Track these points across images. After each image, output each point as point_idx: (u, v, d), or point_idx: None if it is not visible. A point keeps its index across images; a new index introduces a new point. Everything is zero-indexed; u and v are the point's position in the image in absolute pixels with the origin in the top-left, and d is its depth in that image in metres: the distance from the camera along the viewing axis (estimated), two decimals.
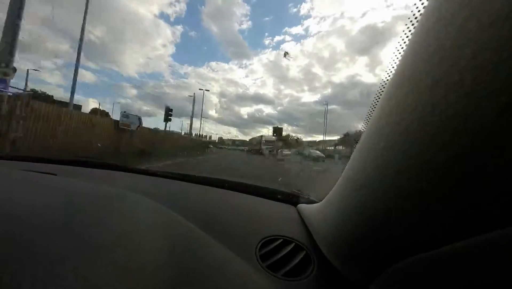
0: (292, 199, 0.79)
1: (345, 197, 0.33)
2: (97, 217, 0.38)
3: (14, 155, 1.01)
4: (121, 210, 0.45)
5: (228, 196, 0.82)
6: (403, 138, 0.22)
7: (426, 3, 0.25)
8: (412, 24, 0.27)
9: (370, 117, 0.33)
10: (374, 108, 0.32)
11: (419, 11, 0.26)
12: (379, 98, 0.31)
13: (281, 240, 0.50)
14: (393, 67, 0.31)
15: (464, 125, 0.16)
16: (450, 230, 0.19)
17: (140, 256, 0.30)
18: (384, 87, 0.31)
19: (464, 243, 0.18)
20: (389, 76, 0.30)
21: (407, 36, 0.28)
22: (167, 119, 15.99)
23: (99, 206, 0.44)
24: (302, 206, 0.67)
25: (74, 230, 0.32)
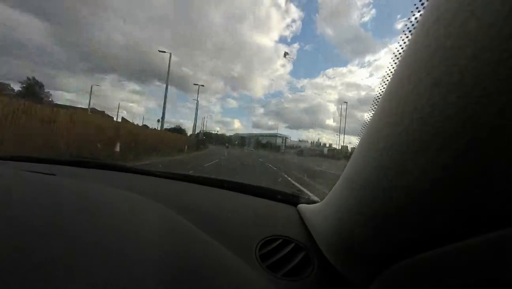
0: (292, 199, 0.79)
1: (345, 197, 0.33)
2: (97, 217, 0.38)
3: (14, 155, 1.01)
4: (121, 210, 0.45)
5: (228, 196, 0.82)
6: (403, 138, 0.22)
7: (426, 3, 0.25)
8: (412, 24, 0.27)
9: (370, 117, 0.33)
10: (374, 109, 0.32)
11: (419, 11, 0.26)
12: (379, 98, 0.31)
13: (281, 240, 0.50)
14: (393, 67, 0.31)
15: (464, 125, 0.16)
16: (450, 230, 0.19)
17: (140, 256, 0.30)
18: (384, 88, 0.31)
19: (464, 243, 0.18)
20: (389, 76, 0.30)
21: (407, 36, 0.28)
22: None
23: (99, 206, 0.44)
24: (302, 206, 0.67)
25: (73, 231, 0.32)
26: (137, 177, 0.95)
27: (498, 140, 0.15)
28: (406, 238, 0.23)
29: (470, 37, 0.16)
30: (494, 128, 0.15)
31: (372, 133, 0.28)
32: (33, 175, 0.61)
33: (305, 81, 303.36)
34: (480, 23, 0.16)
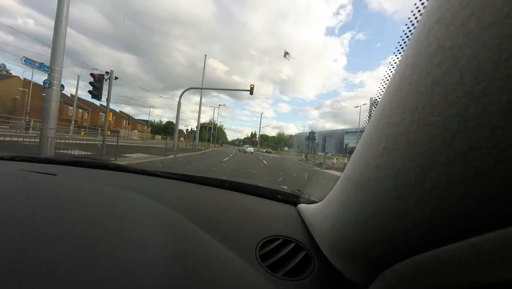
0: (292, 199, 0.79)
1: (346, 197, 0.33)
2: (97, 217, 0.38)
3: (14, 155, 1.01)
4: (121, 210, 0.45)
5: (228, 196, 0.81)
6: (403, 138, 0.22)
7: (426, 3, 0.25)
8: (412, 24, 0.27)
9: (370, 117, 0.33)
10: (374, 109, 0.32)
11: (419, 11, 0.26)
12: (379, 98, 0.31)
13: (281, 240, 0.50)
14: (393, 67, 0.31)
15: (465, 125, 0.16)
16: (450, 230, 0.19)
17: (140, 256, 0.30)
18: (384, 88, 0.31)
19: (464, 243, 0.18)
20: (390, 76, 0.30)
21: (407, 36, 0.28)
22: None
23: (99, 206, 0.44)
24: (302, 206, 0.67)
25: (74, 230, 0.32)
26: (137, 177, 0.95)
27: (499, 140, 0.15)
28: (407, 238, 0.23)
29: (470, 36, 0.16)
30: (494, 128, 0.15)
31: (373, 133, 0.28)
32: (34, 175, 0.61)
33: (364, 75, 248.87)
34: (480, 22, 0.16)
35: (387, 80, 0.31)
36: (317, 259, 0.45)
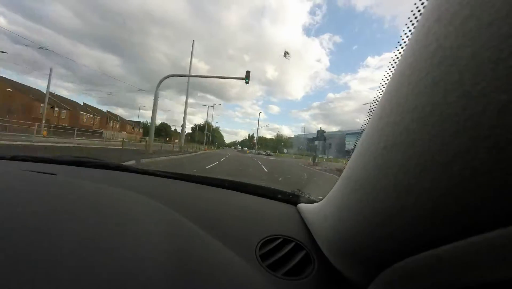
0: (292, 199, 0.79)
1: (345, 196, 0.33)
2: (97, 217, 0.38)
3: (14, 155, 1.01)
4: (121, 210, 0.45)
5: (228, 195, 0.82)
6: (403, 138, 0.22)
7: (426, 3, 0.25)
8: (412, 24, 0.27)
9: (370, 117, 0.33)
10: (374, 108, 0.32)
11: (419, 11, 0.26)
12: (379, 98, 0.31)
13: (281, 239, 0.50)
14: (393, 66, 0.31)
15: (464, 125, 0.16)
16: (450, 230, 0.19)
17: (140, 255, 0.30)
18: (384, 87, 0.31)
19: (464, 243, 0.18)
20: (389, 76, 0.31)
21: (407, 36, 0.28)
22: None
23: (100, 206, 0.44)
24: (302, 206, 0.67)
25: (74, 230, 0.32)
26: (138, 176, 0.95)
27: (498, 139, 0.15)
28: (407, 238, 0.23)
29: (469, 36, 0.16)
30: (494, 127, 0.15)
31: (372, 133, 0.28)
32: (34, 175, 0.61)
33: (347, 77, 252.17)
34: (479, 22, 0.16)
35: (387, 80, 0.31)
36: (317, 258, 0.45)
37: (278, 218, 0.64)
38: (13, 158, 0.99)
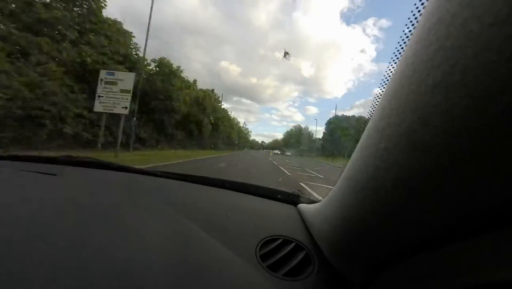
0: (292, 199, 0.79)
1: (346, 197, 0.33)
2: (97, 217, 0.38)
3: (14, 155, 1.01)
4: (121, 210, 0.45)
5: (229, 196, 0.82)
6: (404, 139, 0.22)
7: (426, 3, 0.25)
8: (413, 25, 0.27)
9: (371, 118, 0.33)
10: (375, 109, 0.32)
11: (419, 11, 0.26)
12: (380, 98, 0.31)
13: (281, 240, 0.50)
14: (393, 67, 0.31)
15: (466, 126, 0.16)
16: (450, 230, 0.19)
17: (141, 256, 0.30)
18: (385, 88, 0.31)
19: (464, 243, 0.19)
20: (390, 76, 0.30)
21: (407, 37, 0.28)
22: None
23: (100, 206, 0.44)
24: (302, 206, 0.67)
25: (74, 231, 0.32)
26: (138, 177, 0.95)
27: (499, 140, 0.15)
28: (407, 238, 0.23)
29: (471, 37, 0.16)
30: (495, 128, 0.15)
31: (373, 134, 0.28)
32: (34, 175, 0.61)
33: None
34: (481, 23, 0.16)
35: (388, 80, 0.31)
36: (317, 259, 0.45)
37: (278, 218, 0.64)
38: (13, 158, 0.99)
